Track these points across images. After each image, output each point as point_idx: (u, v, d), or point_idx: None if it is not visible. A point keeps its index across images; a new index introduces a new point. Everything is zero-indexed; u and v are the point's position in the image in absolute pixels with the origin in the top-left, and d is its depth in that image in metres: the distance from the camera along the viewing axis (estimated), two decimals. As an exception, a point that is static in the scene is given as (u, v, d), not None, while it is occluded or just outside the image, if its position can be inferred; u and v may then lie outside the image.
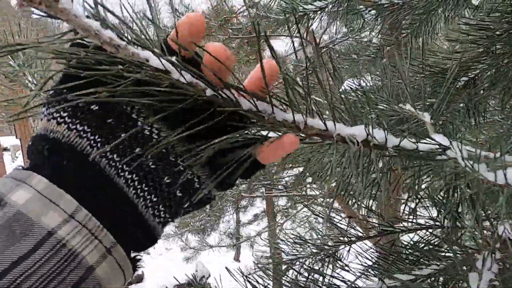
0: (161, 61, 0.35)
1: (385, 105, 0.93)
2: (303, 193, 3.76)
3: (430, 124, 0.75)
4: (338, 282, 0.71)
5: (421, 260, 0.73)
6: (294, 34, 4.32)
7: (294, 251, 0.89)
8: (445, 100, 0.74)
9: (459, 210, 0.62)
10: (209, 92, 0.37)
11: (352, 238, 0.88)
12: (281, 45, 5.61)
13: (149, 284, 5.58)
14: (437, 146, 0.54)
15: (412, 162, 0.63)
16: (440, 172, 0.61)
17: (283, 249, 0.89)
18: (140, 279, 5.71)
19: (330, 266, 0.87)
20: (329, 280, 0.70)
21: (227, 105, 0.39)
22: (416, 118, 0.81)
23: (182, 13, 4.04)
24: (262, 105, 0.42)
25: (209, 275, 5.92)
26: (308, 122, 0.45)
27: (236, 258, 8.43)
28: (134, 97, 0.34)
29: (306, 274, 0.71)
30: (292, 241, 0.86)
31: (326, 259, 0.87)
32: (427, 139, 0.57)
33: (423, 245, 0.75)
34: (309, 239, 0.88)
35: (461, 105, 0.97)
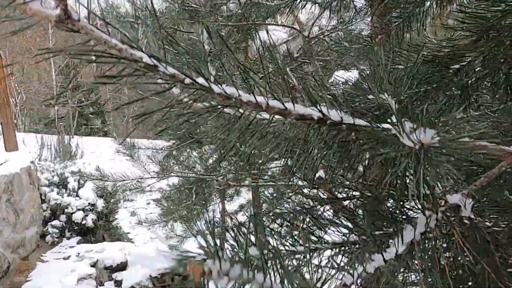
0: (150, 59, 0.48)
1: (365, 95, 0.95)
2: (290, 183, 3.77)
3: (395, 109, 0.80)
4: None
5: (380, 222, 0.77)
6: (286, 23, 4.28)
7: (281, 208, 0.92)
8: (405, 87, 0.77)
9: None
10: (187, 80, 0.50)
11: (326, 200, 0.92)
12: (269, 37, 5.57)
13: (133, 272, 5.55)
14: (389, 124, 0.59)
15: (362, 136, 0.67)
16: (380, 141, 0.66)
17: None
18: (123, 267, 5.67)
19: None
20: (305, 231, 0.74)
21: (202, 90, 0.50)
22: (388, 104, 0.85)
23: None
24: (231, 89, 0.53)
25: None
26: (269, 103, 0.55)
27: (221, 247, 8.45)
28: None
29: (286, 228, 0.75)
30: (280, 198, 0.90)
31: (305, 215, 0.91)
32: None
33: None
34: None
35: (456, 93, 0.98)
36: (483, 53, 0.91)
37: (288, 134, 0.62)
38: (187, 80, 0.49)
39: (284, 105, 0.54)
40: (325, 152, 0.58)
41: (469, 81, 1.00)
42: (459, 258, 0.54)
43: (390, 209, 0.71)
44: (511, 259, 0.56)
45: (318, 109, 0.55)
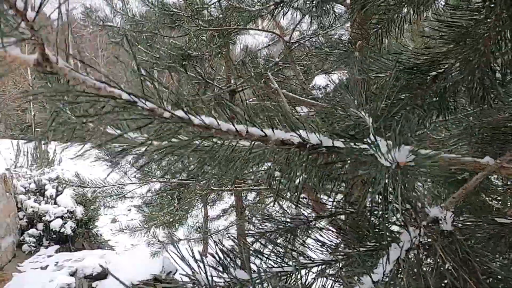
0: (129, 96, 0.49)
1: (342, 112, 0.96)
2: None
3: (372, 127, 0.82)
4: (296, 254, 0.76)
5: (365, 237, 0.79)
6: (267, 28, 4.30)
7: (263, 226, 0.93)
8: (380, 106, 0.78)
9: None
10: (166, 114, 0.51)
11: (309, 218, 0.94)
12: (251, 41, 5.59)
13: (113, 280, 5.43)
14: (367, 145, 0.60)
15: (342, 157, 0.69)
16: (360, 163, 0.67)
17: (253, 223, 0.95)
18: (104, 275, 5.55)
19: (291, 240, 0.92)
20: (289, 251, 0.74)
21: (181, 122, 0.51)
22: (365, 122, 0.86)
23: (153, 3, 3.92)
24: (210, 119, 0.54)
25: (176, 271, 5.84)
26: (249, 131, 0.56)
27: (204, 253, 8.38)
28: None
29: (270, 246, 0.75)
30: (261, 217, 0.92)
31: (288, 234, 0.93)
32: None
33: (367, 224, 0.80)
34: (276, 217, 0.93)
35: (434, 99, 1.00)
36: (459, 59, 0.94)
37: (269, 159, 0.63)
38: (166, 114, 0.50)
39: (264, 132, 0.55)
40: (306, 175, 0.59)
41: (446, 87, 1.03)
42: (441, 271, 0.55)
43: (374, 225, 0.72)
44: (489, 266, 0.58)
45: (298, 134, 0.56)
